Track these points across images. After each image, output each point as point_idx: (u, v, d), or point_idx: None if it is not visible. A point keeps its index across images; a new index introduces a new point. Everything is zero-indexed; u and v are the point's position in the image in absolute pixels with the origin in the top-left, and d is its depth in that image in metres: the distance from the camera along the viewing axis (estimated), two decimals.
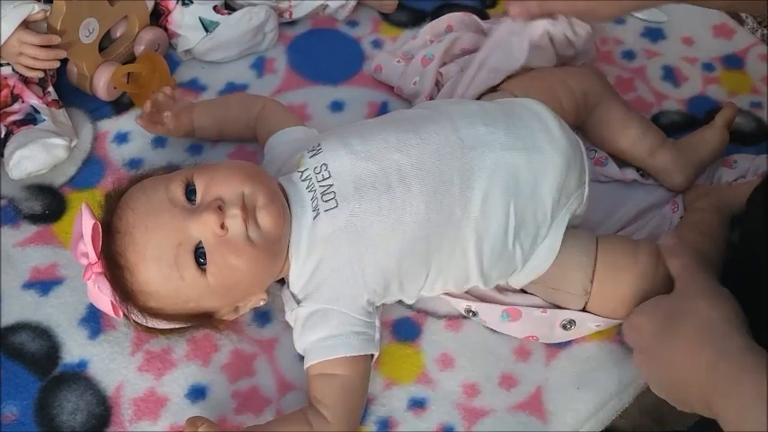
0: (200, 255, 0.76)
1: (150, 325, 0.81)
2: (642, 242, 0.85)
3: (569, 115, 0.91)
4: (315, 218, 0.79)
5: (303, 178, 0.82)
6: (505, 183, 0.80)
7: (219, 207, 0.76)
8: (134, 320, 0.80)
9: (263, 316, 0.87)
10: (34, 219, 0.94)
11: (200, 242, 0.76)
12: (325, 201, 0.79)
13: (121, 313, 0.80)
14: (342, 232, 0.79)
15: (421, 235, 0.79)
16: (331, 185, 0.80)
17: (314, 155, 0.82)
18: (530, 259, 0.82)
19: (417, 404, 0.82)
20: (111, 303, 0.79)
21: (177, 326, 0.82)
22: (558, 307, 0.84)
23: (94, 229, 0.77)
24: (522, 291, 0.87)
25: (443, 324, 0.87)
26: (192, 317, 0.81)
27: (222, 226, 0.75)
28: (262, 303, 0.84)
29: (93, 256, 0.78)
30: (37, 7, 0.92)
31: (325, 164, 0.81)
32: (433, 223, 0.79)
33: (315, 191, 0.80)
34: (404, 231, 0.79)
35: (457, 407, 0.82)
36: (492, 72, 0.95)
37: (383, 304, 0.84)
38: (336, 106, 1.04)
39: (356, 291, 0.80)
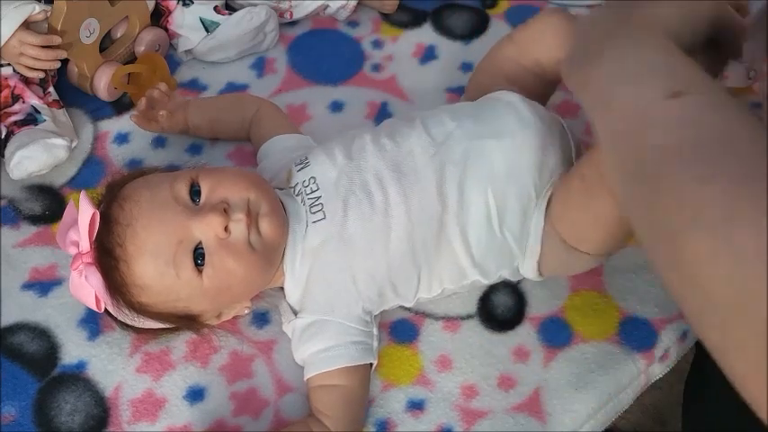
0: (198, 255, 0.77)
1: (130, 322, 0.81)
2: (585, 156, 0.78)
3: (538, 91, 0.88)
4: (305, 230, 0.80)
5: (296, 193, 0.82)
6: (478, 171, 0.80)
7: (225, 210, 0.76)
8: (115, 316, 0.80)
9: (261, 317, 0.87)
10: (34, 219, 0.94)
11: (200, 243, 0.76)
12: (313, 213, 0.80)
13: (103, 307, 0.79)
14: (329, 243, 0.79)
15: (405, 236, 0.79)
16: (319, 197, 0.81)
17: (301, 168, 0.83)
18: (526, 243, 0.81)
19: (416, 406, 0.82)
20: (95, 296, 0.78)
21: (159, 326, 0.82)
22: None
23: (93, 217, 0.76)
24: None
25: (441, 325, 0.86)
26: (176, 317, 0.81)
27: (226, 229, 0.76)
28: (246, 312, 0.84)
29: (85, 246, 0.77)
30: (38, 8, 0.93)
31: (313, 177, 0.82)
32: (414, 222, 0.79)
33: (305, 203, 0.81)
34: (388, 235, 0.79)
35: (455, 408, 0.82)
36: None
37: (382, 311, 0.84)
38: (336, 106, 1.04)
39: (350, 300, 0.80)
